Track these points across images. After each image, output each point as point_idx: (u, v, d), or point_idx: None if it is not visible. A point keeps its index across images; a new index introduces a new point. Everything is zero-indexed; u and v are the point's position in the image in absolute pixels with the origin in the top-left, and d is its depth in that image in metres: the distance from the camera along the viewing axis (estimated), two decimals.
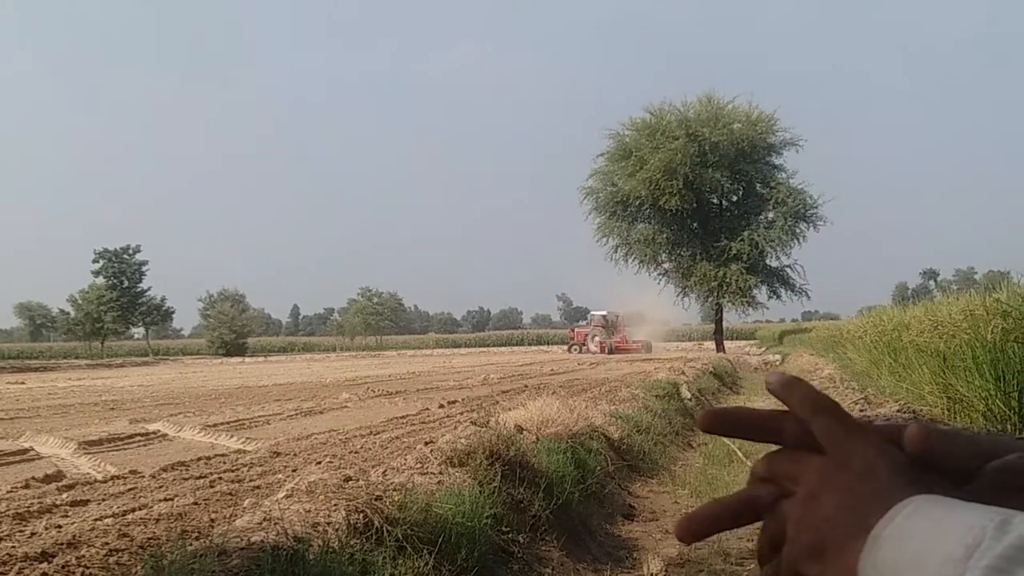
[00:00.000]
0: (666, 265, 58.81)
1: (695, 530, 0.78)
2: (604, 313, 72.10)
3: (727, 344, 61.53)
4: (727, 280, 53.99)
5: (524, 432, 9.56)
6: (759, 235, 53.77)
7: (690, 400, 19.55)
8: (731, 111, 54.43)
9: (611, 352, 62.79)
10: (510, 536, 6.78)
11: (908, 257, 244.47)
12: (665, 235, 56.80)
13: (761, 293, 56.70)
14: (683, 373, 24.27)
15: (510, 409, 11.47)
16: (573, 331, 76.04)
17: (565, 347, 73.26)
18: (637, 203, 55.25)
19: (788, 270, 56.93)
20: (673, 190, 52.27)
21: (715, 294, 55.56)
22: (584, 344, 67.97)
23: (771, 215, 54.87)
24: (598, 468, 10.04)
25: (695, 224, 56.98)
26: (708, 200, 57.15)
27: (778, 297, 57.15)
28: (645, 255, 57.41)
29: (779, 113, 54.89)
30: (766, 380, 0.77)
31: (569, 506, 8.28)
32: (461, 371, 37.37)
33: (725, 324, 63.55)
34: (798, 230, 54.64)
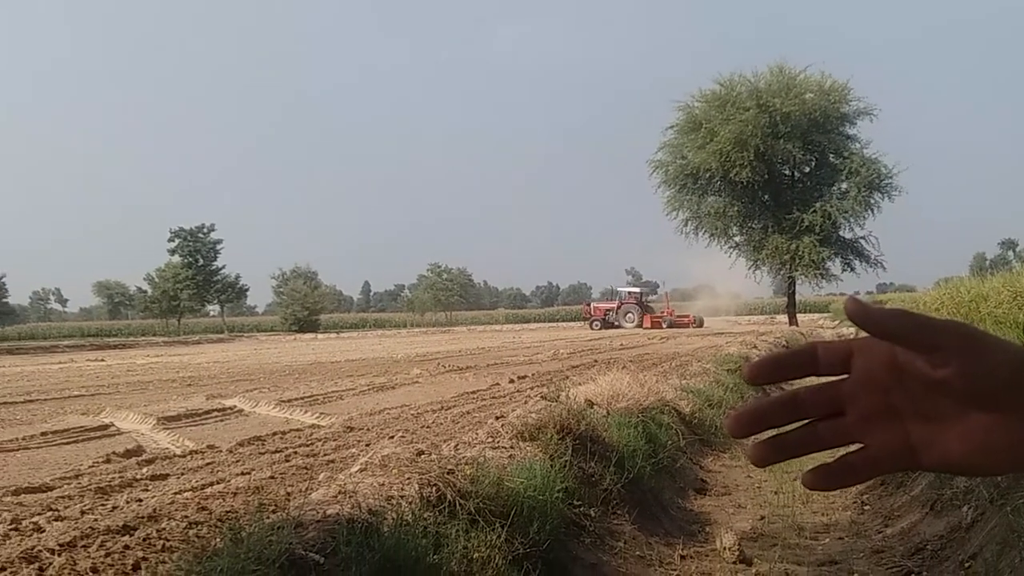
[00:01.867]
0: (737, 238, 58.13)
1: (741, 427, 0.83)
2: (636, 290, 73.06)
3: (800, 317, 60.84)
4: (799, 252, 53.19)
5: (594, 406, 9.55)
6: (832, 206, 52.89)
7: None
8: (803, 81, 53.44)
9: (670, 327, 63.17)
10: (581, 510, 6.80)
11: (986, 227, 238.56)
12: (736, 208, 56.11)
13: (835, 265, 55.87)
14: (755, 347, 24.06)
15: (580, 384, 11.46)
16: (589, 306, 75.25)
17: (585, 322, 72.49)
18: (707, 175, 54.65)
19: (862, 241, 55.96)
20: (744, 162, 51.58)
21: (787, 267, 54.79)
22: (604, 319, 67.73)
23: (844, 186, 53.94)
24: (669, 442, 10.01)
25: (766, 196, 56.23)
26: (780, 172, 56.32)
27: (852, 269, 56.24)
28: (716, 228, 56.78)
29: (852, 82, 53.78)
30: (845, 306, 0.80)
31: (640, 480, 8.27)
32: (530, 346, 37.43)
33: (798, 297, 62.84)
34: (872, 200, 53.62)
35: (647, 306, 70.07)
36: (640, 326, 64.54)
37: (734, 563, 6.75)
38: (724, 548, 6.91)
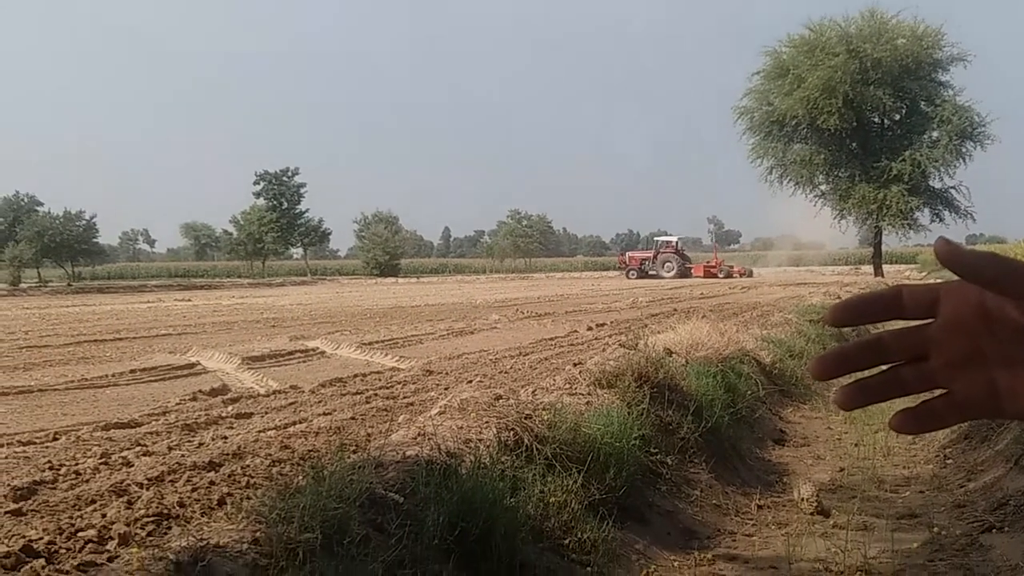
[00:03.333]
0: (823, 187, 56.95)
1: (825, 369, 0.82)
2: (673, 238, 72.01)
3: (886, 268, 59.65)
4: (887, 202, 51.96)
5: (673, 355, 9.52)
6: (922, 155, 51.47)
7: None
8: (895, 26, 51.82)
9: (727, 277, 63.29)
10: (658, 457, 6.81)
11: None
12: (823, 156, 54.91)
13: (923, 215, 54.43)
14: (839, 298, 23.65)
15: (659, 332, 11.42)
16: (624, 256, 74.56)
17: (620, 271, 71.77)
18: (794, 123, 53.50)
19: (952, 191, 54.35)
20: (832, 109, 50.36)
21: (874, 217, 53.58)
22: (640, 268, 67.09)
23: (935, 134, 52.41)
24: (748, 392, 9.95)
25: (854, 144, 54.93)
26: (869, 119, 54.91)
27: (941, 220, 54.73)
28: (801, 177, 55.69)
29: (946, 27, 52.06)
30: (935, 248, 0.78)
31: (718, 430, 8.24)
32: (609, 294, 37.34)
33: (884, 248, 61.47)
34: (964, 149, 52.03)
35: (685, 255, 69.82)
36: (682, 276, 64.42)
37: (812, 514, 6.71)
38: (802, 499, 6.87)
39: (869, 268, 62.15)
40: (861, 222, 57.23)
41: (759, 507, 7.06)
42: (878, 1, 54.09)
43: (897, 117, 54.98)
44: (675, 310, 23.15)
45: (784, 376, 12.29)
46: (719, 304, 27.01)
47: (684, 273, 65.42)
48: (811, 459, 9.05)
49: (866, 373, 0.83)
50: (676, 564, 5.77)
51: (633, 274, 66.22)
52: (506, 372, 11.70)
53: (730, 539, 6.36)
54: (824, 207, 57.28)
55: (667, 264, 66.69)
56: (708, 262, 69.00)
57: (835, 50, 51.05)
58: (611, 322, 20.30)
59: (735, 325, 13.45)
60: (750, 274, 67.15)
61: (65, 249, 75.97)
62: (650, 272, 66.27)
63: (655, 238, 76.62)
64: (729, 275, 64.76)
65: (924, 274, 57.35)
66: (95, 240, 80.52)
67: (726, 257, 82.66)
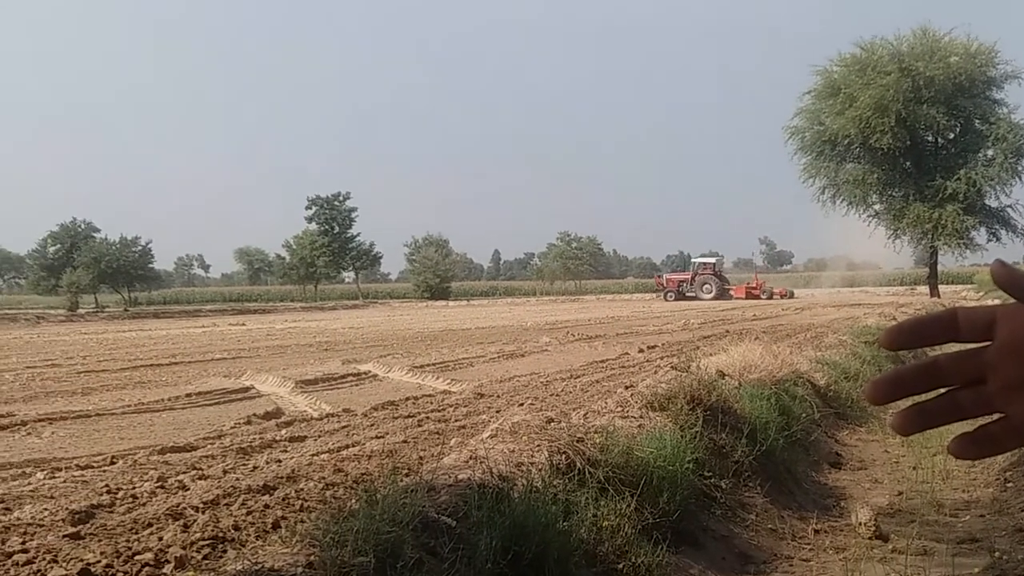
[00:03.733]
0: (876, 207, 56.27)
1: (881, 392, 0.82)
2: (711, 260, 71.59)
3: (942, 288, 58.74)
4: (942, 221, 51.20)
5: (726, 377, 9.44)
6: (977, 173, 50.71)
7: None
8: (948, 44, 51.18)
9: (769, 298, 63.21)
10: (712, 481, 6.74)
11: None
12: (876, 175, 54.28)
13: (979, 235, 53.61)
14: (894, 318, 23.37)
15: (711, 354, 11.35)
16: (661, 278, 73.95)
17: (657, 294, 71.04)
18: (846, 142, 52.98)
19: (1009, 210, 53.44)
20: (884, 128, 49.82)
21: (929, 236, 52.82)
22: (678, 291, 66.56)
23: (990, 152, 51.63)
24: (803, 415, 9.83)
25: (908, 163, 54.28)
26: (922, 138, 54.24)
27: (998, 239, 53.81)
28: (854, 196, 55.08)
29: (1000, 45, 51.36)
30: (991, 270, 0.79)
31: (773, 453, 8.15)
32: (661, 316, 37.17)
33: (940, 268, 60.57)
34: (1020, 167, 51.21)
35: (723, 277, 69.44)
36: (719, 297, 63.78)
37: (870, 539, 6.60)
38: (860, 523, 6.76)
39: (925, 288, 61.23)
40: (916, 242, 56.48)
41: (816, 531, 6.96)
42: (930, 19, 53.67)
43: (951, 136, 54.26)
44: (727, 332, 23.00)
45: (839, 398, 12.14)
46: (772, 326, 26.76)
47: (722, 295, 64.96)
48: (868, 483, 8.92)
49: (923, 397, 0.82)
50: None
51: (671, 296, 65.76)
52: (557, 395, 11.68)
53: (787, 564, 6.28)
54: (878, 227, 56.67)
55: (706, 286, 66.13)
56: (749, 283, 68.61)
57: (887, 68, 50.55)
58: (663, 344, 20.21)
59: (788, 347, 13.33)
60: (791, 295, 66.61)
61: (121, 275, 77.18)
62: (687, 294, 65.88)
63: (693, 260, 76.25)
64: (771, 296, 64.60)
65: (981, 294, 56.37)
66: (151, 265, 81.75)
67: (778, 279, 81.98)
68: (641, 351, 18.41)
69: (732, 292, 66.54)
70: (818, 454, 9.66)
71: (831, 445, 10.34)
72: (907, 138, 51.61)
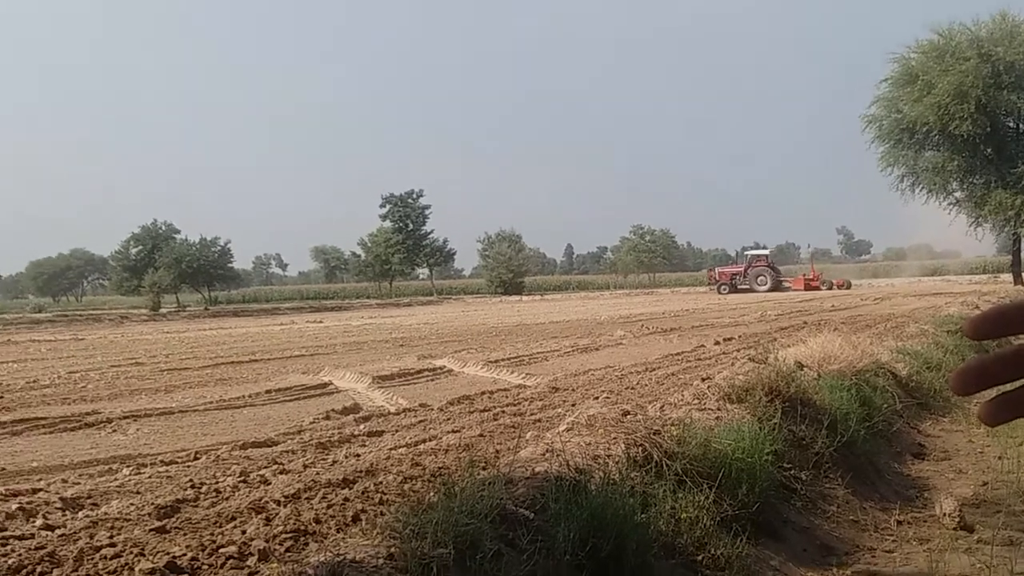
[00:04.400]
0: (957, 194, 55.14)
1: (966, 383, 0.81)
2: (765, 251, 72.59)
3: None
4: None
5: (804, 369, 9.33)
6: None
7: None
8: None
9: (829, 288, 63.24)
10: (792, 473, 6.67)
11: None
12: (956, 162, 53.12)
13: None
14: (977, 307, 22.87)
15: (789, 346, 11.22)
16: (714, 271, 72.89)
17: (711, 287, 70.14)
18: (924, 130, 51.94)
19: None
20: (964, 114, 48.73)
21: (1012, 223, 51.63)
22: (731, 283, 66.02)
23: None
24: (884, 406, 9.67)
25: (989, 150, 53.02)
26: (1003, 124, 52.96)
27: None
28: (934, 184, 54.03)
29: None
30: None
31: (854, 444, 8.02)
32: (737, 307, 36.79)
33: None
34: None
35: (777, 268, 68.92)
36: (774, 289, 63.41)
37: (955, 529, 6.47)
38: (944, 514, 6.64)
39: (1008, 276, 59.78)
40: (999, 229, 55.19)
41: (899, 522, 6.84)
42: (1009, 4, 52.30)
43: None
44: (805, 323, 22.70)
45: (922, 388, 11.91)
46: (851, 316, 26.34)
47: (777, 286, 64.71)
48: (952, 473, 8.73)
49: (1009, 386, 0.81)
50: None
51: (725, 288, 65.39)
52: (633, 388, 11.62)
53: (869, 555, 6.18)
54: (959, 215, 55.48)
55: (760, 278, 65.77)
56: (805, 275, 67.91)
57: (966, 54, 49.42)
58: (739, 336, 20.00)
59: (868, 337, 13.12)
60: (848, 286, 66.11)
61: (202, 274, 78.75)
62: (740, 286, 65.53)
63: (746, 252, 75.91)
64: (831, 287, 64.21)
65: None
66: (230, 265, 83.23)
67: (854, 269, 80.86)
68: (717, 343, 18.25)
69: (790, 284, 66.29)
70: (900, 445, 9.49)
71: (914, 436, 10.15)
72: (987, 124, 50.42)
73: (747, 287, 65.19)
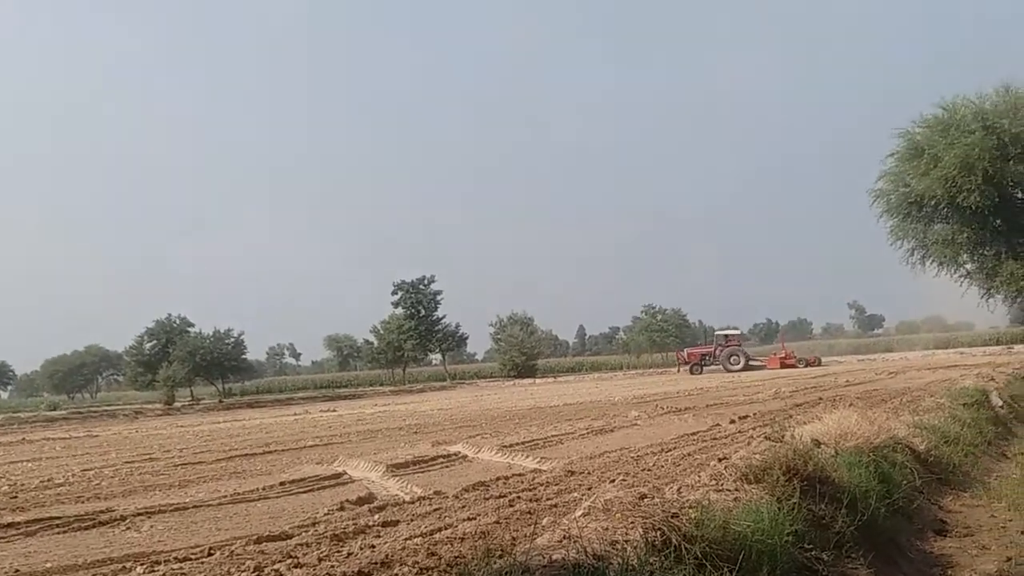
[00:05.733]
0: (968, 266, 54.95)
1: None
2: (736, 331, 75.75)
3: None
4: None
5: (822, 446, 9.25)
6: None
7: (1001, 408, 18.18)
8: None
9: (807, 366, 64.85)
10: (813, 553, 6.57)
11: None
12: (965, 234, 53.01)
13: None
14: (992, 379, 22.77)
15: (805, 423, 11.16)
16: (683, 351, 73.96)
17: (680, 369, 70.81)
18: (932, 202, 51.91)
19: None
20: (972, 186, 48.76)
21: None
22: (701, 363, 67.20)
23: None
24: (904, 482, 9.56)
25: (998, 221, 52.97)
26: (1011, 195, 53.04)
27: None
28: (944, 256, 53.88)
29: None
30: None
31: (875, 522, 7.92)
32: (751, 385, 36.64)
33: None
34: None
35: (744, 350, 70.04)
36: (746, 369, 64.08)
37: None
38: None
39: (1022, 347, 59.48)
40: (1011, 300, 55.06)
41: None
42: (1012, 77, 52.83)
43: None
44: (820, 399, 22.59)
45: (940, 463, 11.79)
46: (866, 391, 26.22)
47: (748, 366, 65.39)
48: (976, 549, 8.60)
49: None
50: None
51: (697, 369, 66.35)
52: (649, 469, 11.54)
53: None
54: (971, 287, 55.45)
55: (733, 357, 66.56)
56: (777, 353, 69.30)
57: (970, 127, 49.74)
58: (754, 414, 19.89)
59: (884, 412, 13.04)
60: (819, 363, 67.86)
61: (216, 367, 78.88)
62: (710, 366, 66.64)
63: (716, 332, 77.27)
64: (806, 364, 65.85)
65: None
66: (243, 356, 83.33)
67: (867, 343, 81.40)
68: (732, 422, 18.14)
69: (762, 363, 67.47)
70: (922, 521, 9.37)
71: (935, 512, 10.02)
72: (995, 195, 50.44)
73: (718, 367, 66.25)
